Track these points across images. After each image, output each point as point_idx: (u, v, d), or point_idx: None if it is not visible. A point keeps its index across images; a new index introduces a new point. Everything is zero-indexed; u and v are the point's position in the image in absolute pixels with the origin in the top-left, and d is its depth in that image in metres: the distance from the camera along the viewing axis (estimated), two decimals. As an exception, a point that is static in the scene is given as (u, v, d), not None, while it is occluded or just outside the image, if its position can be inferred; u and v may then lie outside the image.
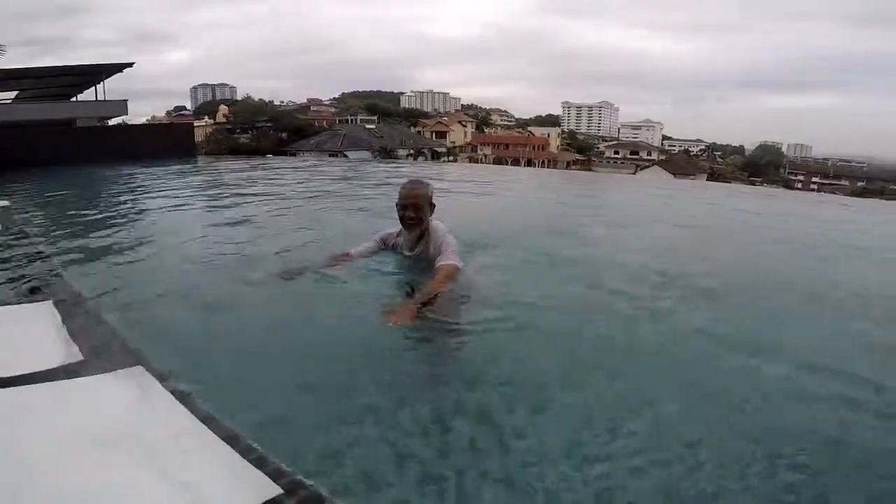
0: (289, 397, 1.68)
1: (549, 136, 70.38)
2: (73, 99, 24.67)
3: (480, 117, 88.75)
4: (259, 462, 1.19)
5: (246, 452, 1.22)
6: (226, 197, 7.85)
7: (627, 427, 1.62)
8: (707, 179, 44.94)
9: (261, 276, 2.89)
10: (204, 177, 12.89)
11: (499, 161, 53.70)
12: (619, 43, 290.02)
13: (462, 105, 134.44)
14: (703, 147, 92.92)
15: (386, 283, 2.71)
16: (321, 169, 15.09)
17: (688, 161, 60.55)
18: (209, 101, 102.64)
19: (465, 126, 72.67)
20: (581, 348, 2.25)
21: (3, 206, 5.75)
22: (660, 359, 2.18)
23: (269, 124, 52.95)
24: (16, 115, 21.12)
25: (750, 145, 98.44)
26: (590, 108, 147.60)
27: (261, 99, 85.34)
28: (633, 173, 46.54)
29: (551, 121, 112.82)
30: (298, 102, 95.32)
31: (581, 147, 76.33)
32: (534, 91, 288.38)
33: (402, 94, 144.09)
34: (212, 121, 60.98)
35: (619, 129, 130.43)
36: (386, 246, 2.97)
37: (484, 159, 56.58)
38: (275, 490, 1.10)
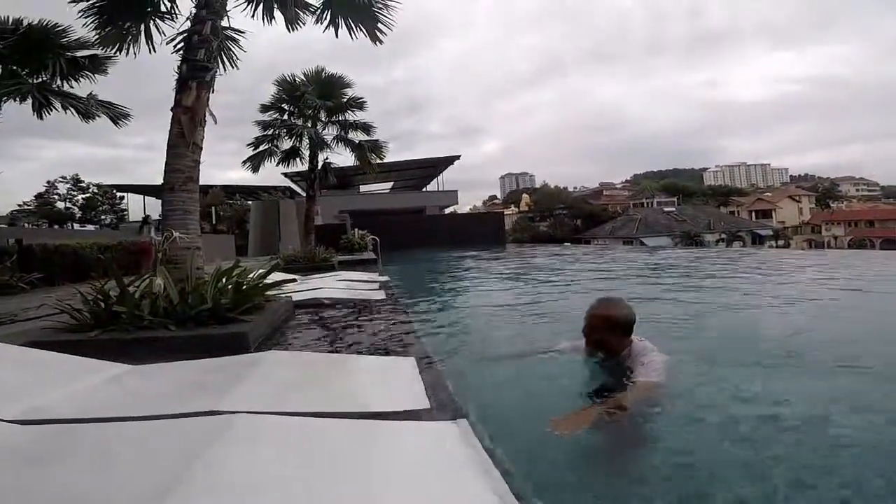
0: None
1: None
2: (424, 189, 31.79)
3: (821, 189, 70.05)
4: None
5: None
6: (528, 282, 9.12)
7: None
8: None
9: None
10: (510, 263, 13.89)
11: (859, 244, 39.97)
12: None
13: (791, 177, 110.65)
14: None
15: (571, 387, 2.58)
16: (614, 256, 14.75)
17: None
18: (514, 189, 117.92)
19: (798, 201, 58.36)
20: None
21: (384, 280, 7.09)
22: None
23: (564, 212, 55.90)
24: (395, 203, 28.64)
25: None
26: None
27: (556, 185, 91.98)
28: None
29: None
30: (591, 187, 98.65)
31: None
32: None
33: (704, 170, 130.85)
34: (516, 209, 69.10)
35: None
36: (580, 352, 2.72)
37: (833, 242, 43.28)
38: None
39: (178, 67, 3.76)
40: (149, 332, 2.98)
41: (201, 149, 3.67)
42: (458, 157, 26.39)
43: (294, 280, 4.70)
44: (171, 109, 3.65)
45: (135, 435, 1.66)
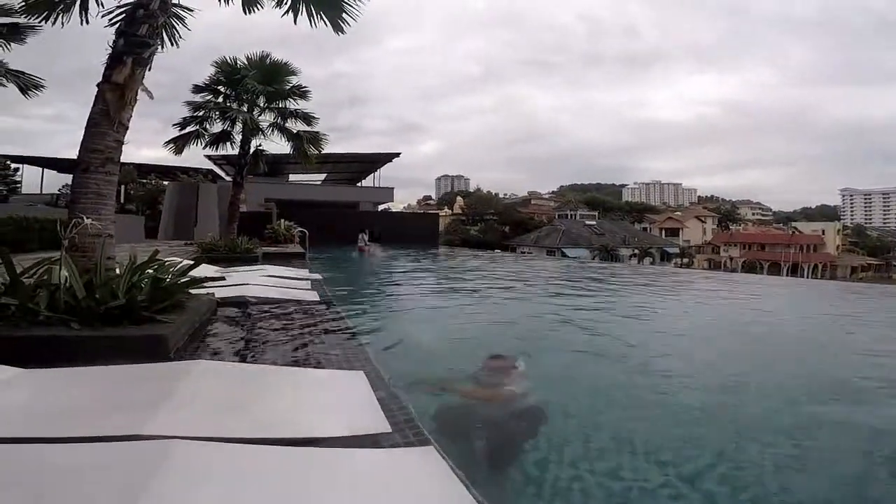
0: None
1: (823, 233, 56.20)
2: (359, 184, 31.01)
3: (724, 211, 77.95)
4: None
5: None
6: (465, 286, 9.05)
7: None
8: None
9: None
10: (446, 263, 13.98)
11: (750, 266, 44.86)
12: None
13: (699, 197, 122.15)
14: None
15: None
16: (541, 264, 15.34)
17: None
18: (448, 191, 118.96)
19: (703, 222, 64.47)
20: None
21: (316, 279, 6.78)
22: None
23: (494, 217, 57.38)
24: (327, 195, 27.56)
25: None
26: (885, 195, 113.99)
27: (489, 191, 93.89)
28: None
29: (826, 213, 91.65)
30: (520, 195, 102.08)
31: (874, 247, 59.05)
32: (798, 177, 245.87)
33: (624, 186, 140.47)
34: (450, 211, 69.76)
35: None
36: None
37: (729, 262, 48.27)
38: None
39: (114, 41, 3.35)
40: (45, 329, 2.59)
41: (127, 128, 3.29)
42: (397, 155, 26.02)
43: (222, 279, 4.34)
44: (98, 85, 3.22)
45: (34, 464, 1.30)
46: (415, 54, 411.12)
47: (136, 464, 1.32)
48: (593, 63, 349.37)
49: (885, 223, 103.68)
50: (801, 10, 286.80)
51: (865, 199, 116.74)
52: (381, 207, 29.68)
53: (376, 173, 28.23)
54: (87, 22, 4.21)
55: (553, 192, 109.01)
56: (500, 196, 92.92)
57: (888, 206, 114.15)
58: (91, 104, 3.22)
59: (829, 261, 48.77)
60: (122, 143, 3.28)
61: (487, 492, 1.43)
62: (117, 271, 3.23)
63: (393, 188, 29.28)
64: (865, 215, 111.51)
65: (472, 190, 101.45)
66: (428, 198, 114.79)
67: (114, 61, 3.26)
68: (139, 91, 3.32)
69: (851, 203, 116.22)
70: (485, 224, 55.92)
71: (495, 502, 1.43)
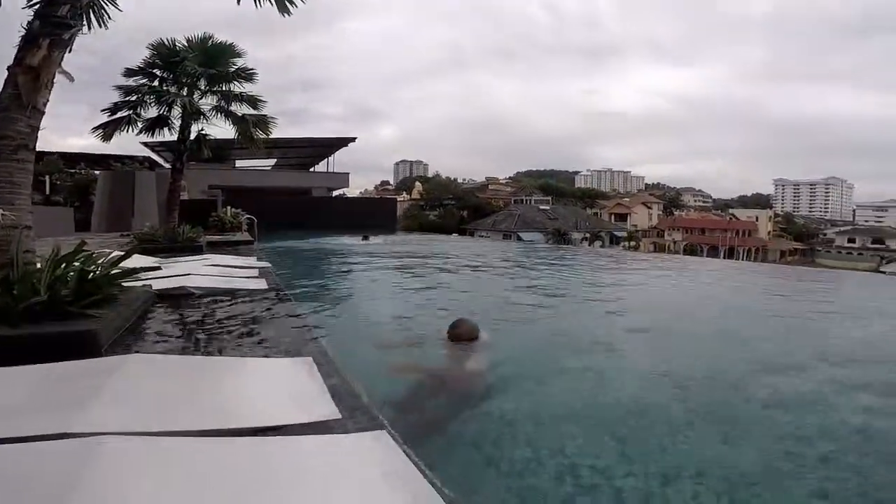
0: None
1: (756, 219, 60.42)
2: (312, 169, 30.16)
3: (668, 198, 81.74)
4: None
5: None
6: (418, 273, 9.42)
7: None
8: None
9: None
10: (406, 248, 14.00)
11: (691, 249, 47.67)
12: (854, 110, 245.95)
13: (646, 184, 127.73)
14: None
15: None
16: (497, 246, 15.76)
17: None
18: (407, 176, 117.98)
19: (649, 208, 67.54)
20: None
21: (265, 267, 6.61)
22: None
23: (453, 202, 57.46)
24: (277, 181, 26.67)
25: None
26: (811, 185, 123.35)
27: (447, 176, 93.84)
28: (877, 269, 36.67)
29: (760, 202, 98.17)
30: (478, 180, 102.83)
31: (800, 234, 64.10)
32: (736, 168, 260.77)
33: (577, 173, 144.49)
34: (408, 196, 69.22)
35: (854, 210, 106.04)
36: None
37: (673, 245, 51.00)
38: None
39: (29, 23, 3.08)
40: (-44, 330, 2.42)
41: (43, 114, 3.04)
42: (353, 139, 25.37)
43: (158, 268, 4.15)
44: (8, 68, 2.96)
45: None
46: (374, 38, 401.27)
47: (63, 464, 1.28)
48: (553, 53, 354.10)
49: (810, 212, 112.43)
50: (756, 10, 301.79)
51: (795, 189, 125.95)
52: (335, 193, 28.99)
53: (331, 158, 27.54)
54: (0, 4, 3.86)
55: (510, 178, 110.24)
56: (459, 181, 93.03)
57: (814, 196, 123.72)
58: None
59: (761, 245, 52.45)
60: (38, 129, 3.03)
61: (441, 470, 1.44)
62: (38, 265, 3.03)
63: (348, 173, 28.68)
64: (794, 204, 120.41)
65: (430, 175, 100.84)
66: (386, 183, 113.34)
67: (28, 43, 2.99)
68: (57, 74, 3.08)
69: (783, 192, 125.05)
70: (443, 209, 55.89)
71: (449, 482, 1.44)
